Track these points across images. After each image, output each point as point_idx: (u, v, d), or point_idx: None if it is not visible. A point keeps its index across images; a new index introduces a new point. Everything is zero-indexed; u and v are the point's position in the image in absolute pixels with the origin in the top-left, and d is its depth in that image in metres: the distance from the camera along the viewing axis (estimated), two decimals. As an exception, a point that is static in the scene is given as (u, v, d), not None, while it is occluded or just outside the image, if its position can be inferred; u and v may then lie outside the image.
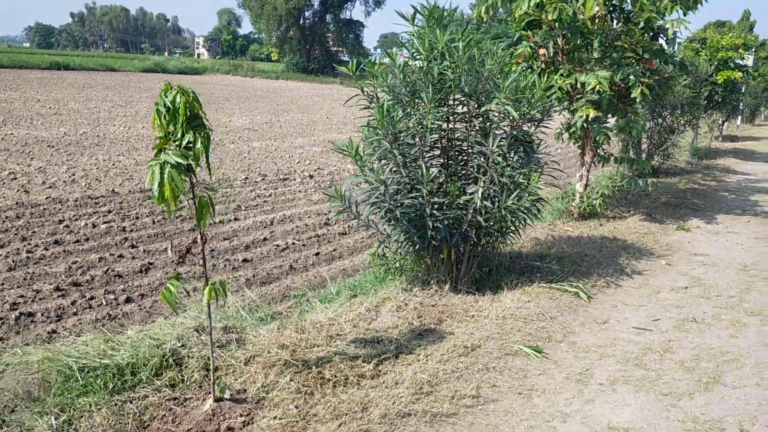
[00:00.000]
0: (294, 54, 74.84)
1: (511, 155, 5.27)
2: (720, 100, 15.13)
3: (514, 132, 5.32)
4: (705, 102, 15.40)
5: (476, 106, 5.29)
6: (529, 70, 7.88)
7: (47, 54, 69.28)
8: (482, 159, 5.13)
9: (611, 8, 8.01)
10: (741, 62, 15.32)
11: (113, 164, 13.60)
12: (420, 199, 4.92)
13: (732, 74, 14.33)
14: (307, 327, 4.29)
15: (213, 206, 3.14)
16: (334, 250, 8.34)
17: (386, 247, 5.49)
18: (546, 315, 4.95)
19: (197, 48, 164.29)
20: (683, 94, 11.78)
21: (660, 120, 12.23)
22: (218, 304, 3.54)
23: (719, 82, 14.57)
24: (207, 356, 3.90)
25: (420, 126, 4.93)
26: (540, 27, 7.97)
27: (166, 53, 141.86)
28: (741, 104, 24.85)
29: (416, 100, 5.12)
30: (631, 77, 7.49)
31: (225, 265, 7.62)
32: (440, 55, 5.09)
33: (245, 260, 7.83)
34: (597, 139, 8.25)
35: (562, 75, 7.76)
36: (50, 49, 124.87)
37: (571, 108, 7.96)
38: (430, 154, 5.36)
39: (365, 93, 5.18)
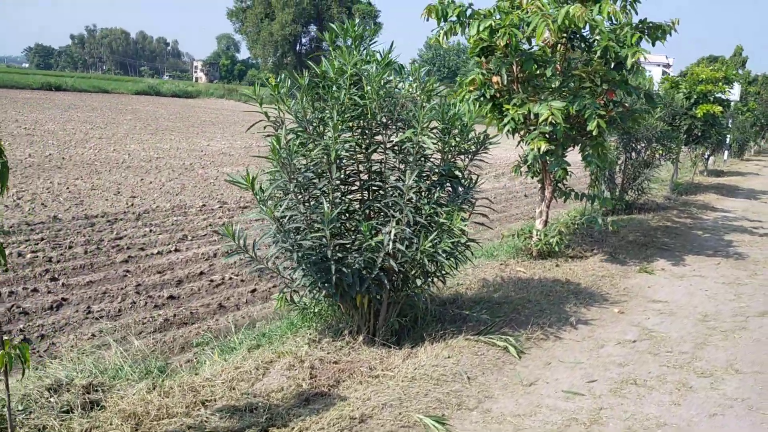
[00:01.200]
0: (288, 78, 74.63)
1: (434, 192, 4.72)
2: (699, 134, 14.66)
3: (438, 167, 4.79)
4: (685, 136, 14.96)
5: (393, 136, 4.74)
6: (482, 98, 7.40)
7: (41, 74, 69.06)
8: (398, 195, 4.58)
9: (570, 35, 7.53)
10: (722, 96, 14.87)
11: (67, 188, 13.05)
12: (325, 239, 4.35)
13: (711, 108, 13.88)
14: (175, 389, 3.68)
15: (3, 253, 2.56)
16: (274, 286, 7.74)
17: (295, 291, 4.91)
18: (464, 375, 4.36)
19: (195, 72, 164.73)
20: (656, 127, 11.30)
21: (633, 154, 11.73)
22: (20, 375, 2.95)
23: (698, 115, 14.12)
24: (42, 425, 3.30)
25: (326, 157, 4.38)
26: (494, 53, 7.48)
27: (165, 76, 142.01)
28: (728, 139, 24.51)
29: (326, 129, 4.58)
30: (588, 109, 6.98)
31: (146, 303, 7.02)
32: (350, 77, 4.55)
33: (171, 297, 7.24)
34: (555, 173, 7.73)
35: (515, 105, 7.25)
36: (49, 70, 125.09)
37: (526, 140, 7.44)
38: (343, 189, 4.81)
39: (270, 118, 4.64)
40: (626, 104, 8.39)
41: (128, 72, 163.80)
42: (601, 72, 7.32)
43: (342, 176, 4.69)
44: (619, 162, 11.82)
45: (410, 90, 4.80)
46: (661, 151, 12.30)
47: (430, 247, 4.46)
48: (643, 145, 12.02)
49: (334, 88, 4.51)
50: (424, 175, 4.83)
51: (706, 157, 21.04)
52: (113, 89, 61.27)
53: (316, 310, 5.21)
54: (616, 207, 12.02)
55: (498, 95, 7.68)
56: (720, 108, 13.95)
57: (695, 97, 14.29)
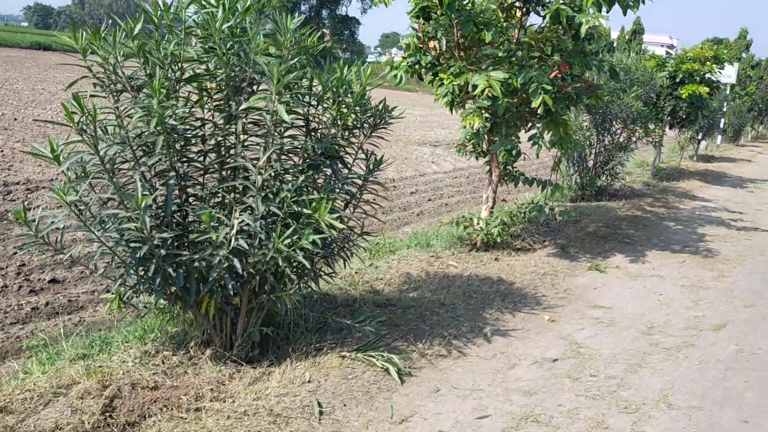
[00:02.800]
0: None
1: (301, 175, 3.80)
2: (684, 116, 13.68)
3: (316, 144, 3.88)
4: (669, 118, 13.98)
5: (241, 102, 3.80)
6: (417, 66, 6.44)
7: (30, 33, 67.47)
8: (251, 178, 3.66)
9: (523, -4, 6.55)
10: (712, 77, 13.85)
11: (1, 151, 12.09)
12: (145, 231, 3.43)
13: (696, 89, 12.88)
14: None
15: None
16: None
17: (133, 290, 3.99)
18: (315, 409, 3.47)
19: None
20: (631, 107, 10.33)
21: (607, 135, 10.76)
22: None
23: (683, 96, 13.12)
24: None
25: (147, 125, 3.44)
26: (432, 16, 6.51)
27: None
28: (721, 123, 23.51)
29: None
30: (534, 82, 6.03)
31: None
32: (186, 27, 3.60)
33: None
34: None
35: (452, 74, 6.29)
36: (48, 29, 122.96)
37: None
38: (186, 169, 3.88)
39: (95, 75, 3.68)
40: (588, 79, 7.44)
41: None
42: (552, 40, 6.35)
43: (183, 153, 3.75)
44: (592, 144, 10.87)
45: (283, 44, 3.85)
46: (640, 134, 11.33)
47: (286, 244, 3.55)
48: (619, 126, 11.05)
49: (166, 37, 3.56)
50: (290, 153, 3.91)
51: (697, 141, 20.04)
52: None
53: (163, 316, 4.32)
54: (585, 193, 11.10)
55: (437, 63, 6.72)
56: (707, 89, 12.93)
57: (681, 76, 13.27)
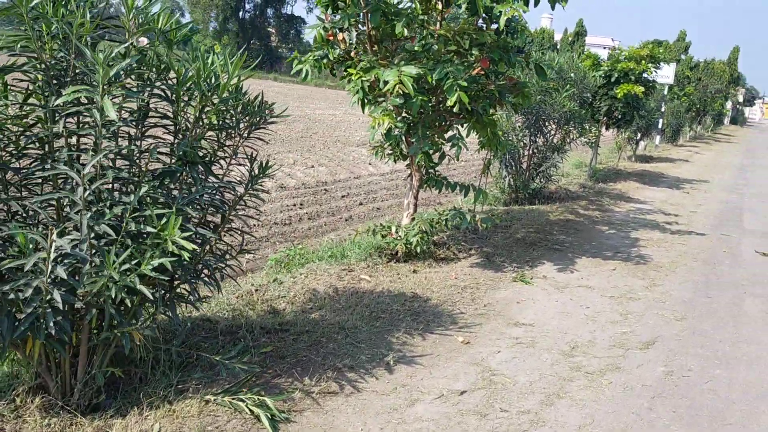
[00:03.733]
0: (232, 47, 71.65)
1: (144, 186, 3.16)
2: (620, 116, 13.43)
3: (178, 148, 3.25)
4: (605, 118, 13.72)
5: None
6: (326, 60, 5.83)
7: None
8: (72, 190, 3.00)
9: (439, -14, 6.02)
10: (648, 76, 13.64)
11: None
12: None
13: (632, 88, 12.63)
14: None
15: None
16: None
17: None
18: (154, 473, 2.84)
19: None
20: (563, 107, 9.94)
21: (539, 137, 10.35)
22: None
23: (618, 96, 12.86)
24: None
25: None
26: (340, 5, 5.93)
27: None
28: (660, 123, 23.63)
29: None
30: (449, 78, 5.50)
31: None
32: None
33: None
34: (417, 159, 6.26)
35: (361, 69, 5.71)
36: None
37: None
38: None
39: None
40: (513, 77, 6.96)
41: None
42: (471, 33, 5.83)
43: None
44: (525, 145, 10.45)
45: (125, 26, 3.20)
46: (574, 134, 10.97)
47: (120, 272, 2.90)
48: (552, 127, 10.67)
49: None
50: (130, 159, 3.26)
51: (635, 141, 19.99)
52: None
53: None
54: (518, 196, 10.68)
55: (347, 57, 6.13)
56: (642, 89, 12.69)
57: (616, 75, 13.01)
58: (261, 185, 4.03)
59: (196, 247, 3.05)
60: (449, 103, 5.48)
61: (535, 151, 10.56)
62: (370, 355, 4.27)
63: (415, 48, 6.03)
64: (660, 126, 24.27)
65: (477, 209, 9.49)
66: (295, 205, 11.08)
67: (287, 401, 3.53)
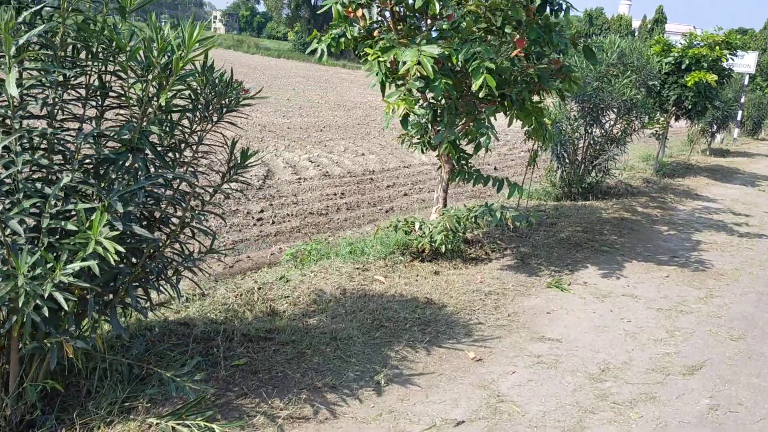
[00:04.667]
0: (303, 34, 71.95)
1: (71, 177, 2.73)
2: (690, 107, 12.39)
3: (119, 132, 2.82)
4: (674, 108, 12.70)
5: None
6: (342, 39, 5.32)
7: None
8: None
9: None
10: (723, 64, 12.52)
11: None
12: None
13: (704, 76, 11.59)
14: None
15: None
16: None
17: None
18: None
19: (214, 22, 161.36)
20: (623, 95, 9.11)
21: (595, 127, 9.55)
22: None
23: (688, 84, 11.84)
24: None
25: None
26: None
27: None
28: (739, 115, 22.11)
29: None
30: (476, 59, 4.90)
31: None
32: None
33: None
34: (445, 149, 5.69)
35: (380, 49, 5.17)
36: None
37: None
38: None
39: None
40: (558, 59, 6.29)
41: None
42: (503, 8, 5.20)
43: None
44: (580, 136, 9.67)
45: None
46: (637, 125, 10.10)
47: (30, 277, 2.48)
48: (611, 116, 9.84)
49: None
50: (49, 144, 2.83)
51: (711, 134, 18.68)
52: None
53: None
54: (572, 191, 9.92)
55: (368, 36, 5.60)
56: (715, 77, 11.63)
57: (687, 62, 11.98)
58: (241, 176, 3.54)
59: (121, 249, 2.59)
60: (474, 87, 4.88)
61: (591, 142, 9.76)
62: (358, 373, 3.76)
63: (444, 26, 5.45)
64: (739, 118, 22.72)
65: (523, 204, 8.83)
66: (335, 194, 10.66)
67: (245, 428, 3.06)
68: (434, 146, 6.14)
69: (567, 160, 9.70)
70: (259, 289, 5.04)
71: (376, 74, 5.38)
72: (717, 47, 11.93)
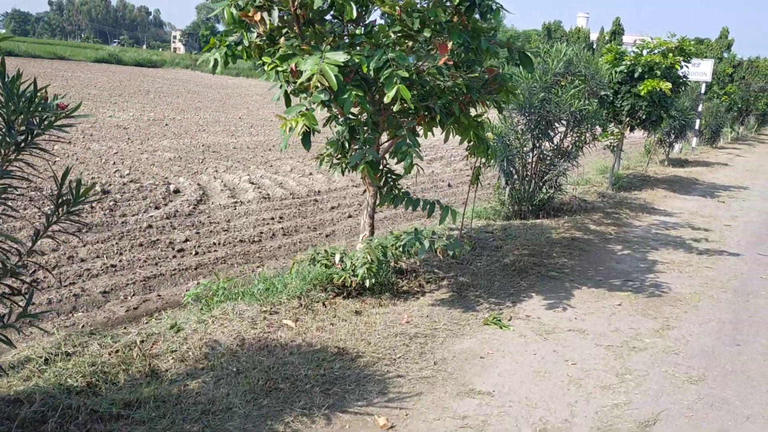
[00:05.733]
0: (261, 53, 70.90)
1: None
2: (645, 116, 11.92)
3: None
4: (628, 119, 12.23)
5: None
6: (240, 47, 4.61)
7: (49, 44, 66.28)
8: None
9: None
10: (678, 71, 12.07)
11: None
12: None
13: (657, 84, 11.13)
14: None
15: None
16: None
17: None
18: None
19: (174, 42, 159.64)
20: (571, 106, 8.55)
21: (543, 140, 8.96)
22: None
23: (642, 93, 11.37)
24: None
25: None
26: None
27: (144, 46, 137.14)
28: (697, 123, 21.91)
29: None
30: (388, 68, 4.22)
31: None
32: None
33: None
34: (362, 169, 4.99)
35: (279, 57, 4.47)
36: (26, 36, 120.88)
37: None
38: None
39: None
40: (492, 68, 5.67)
41: (108, 41, 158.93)
42: (420, 8, 4.54)
43: None
44: (528, 150, 9.08)
45: None
46: (587, 137, 9.54)
47: None
48: (561, 128, 9.28)
49: None
50: None
51: (668, 144, 18.35)
52: (71, 56, 58.48)
53: None
54: (522, 209, 9.31)
55: (273, 42, 4.89)
56: (669, 85, 11.18)
57: (639, 70, 11.51)
58: (76, 213, 2.80)
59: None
60: (386, 99, 4.20)
61: (541, 157, 9.18)
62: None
63: (357, 31, 4.78)
64: (697, 127, 22.53)
65: (471, 224, 8.18)
66: (273, 218, 9.92)
67: None
68: (353, 167, 5.45)
69: (515, 177, 9.09)
70: (142, 342, 4.27)
71: (280, 86, 4.67)
72: (670, 54, 11.50)
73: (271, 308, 4.86)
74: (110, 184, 10.94)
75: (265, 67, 4.46)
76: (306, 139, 4.28)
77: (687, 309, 5.78)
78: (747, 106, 33.33)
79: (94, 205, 9.48)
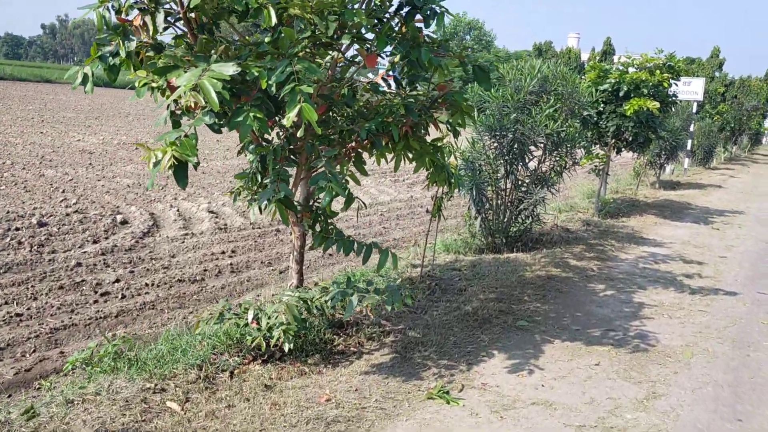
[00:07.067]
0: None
1: None
2: (631, 138, 11.05)
3: None
4: (613, 140, 11.36)
5: None
6: (117, 59, 3.68)
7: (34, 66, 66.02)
8: None
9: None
10: (666, 89, 11.21)
11: None
12: None
13: (644, 104, 10.26)
14: None
15: None
16: None
17: None
18: None
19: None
20: (546, 127, 7.65)
21: (518, 166, 8.06)
22: None
23: (628, 113, 10.50)
24: None
25: None
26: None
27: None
28: (689, 144, 21.13)
29: None
30: (291, 83, 3.31)
31: None
32: None
33: None
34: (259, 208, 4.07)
35: (156, 71, 3.54)
36: (18, 60, 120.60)
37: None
38: None
39: None
40: (444, 84, 4.79)
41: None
42: (336, 8, 3.64)
43: None
44: (501, 177, 8.17)
45: None
46: (567, 161, 8.65)
47: None
48: (538, 152, 8.39)
49: None
50: None
51: (659, 165, 17.49)
52: (58, 79, 58.14)
53: None
54: (495, 242, 8.38)
55: (160, 51, 3.97)
56: (656, 104, 10.32)
57: (625, 89, 10.66)
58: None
59: None
60: (285, 121, 3.28)
61: (515, 184, 8.27)
62: None
63: (266, 39, 3.87)
64: (689, 147, 21.74)
65: (431, 262, 7.25)
66: (224, 252, 8.97)
67: None
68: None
69: (488, 206, 8.17)
70: (-21, 435, 3.30)
71: (168, 107, 3.75)
72: (658, 71, 10.65)
73: (157, 384, 3.89)
74: (51, 215, 10.00)
75: (137, 83, 3.54)
76: (179, 173, 3.33)
77: (677, 368, 4.83)
78: (740, 126, 32.67)
79: (22, 240, 8.54)
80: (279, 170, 3.91)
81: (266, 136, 4.29)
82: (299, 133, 3.41)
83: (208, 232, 9.92)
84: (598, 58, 68.31)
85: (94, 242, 8.92)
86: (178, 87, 3.22)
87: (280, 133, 4.33)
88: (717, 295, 6.96)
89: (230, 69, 3.26)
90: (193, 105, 3.27)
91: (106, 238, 9.18)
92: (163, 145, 3.25)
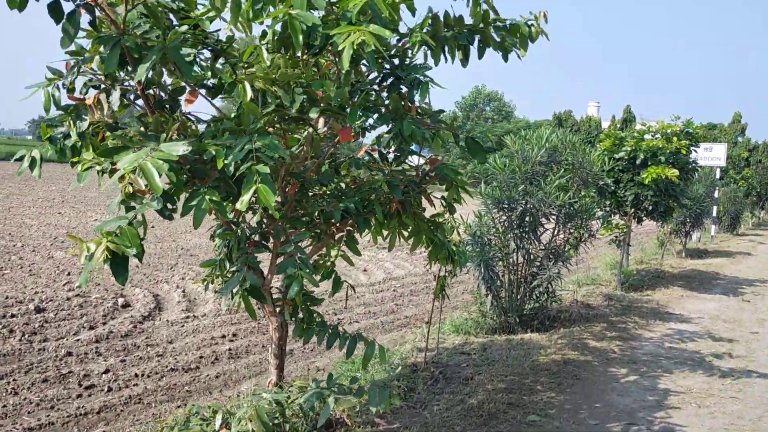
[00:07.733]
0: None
1: None
2: (651, 207, 10.58)
3: None
4: (632, 210, 10.89)
5: None
6: (68, 141, 3.38)
7: (13, 144, 67.73)
8: None
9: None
10: (685, 156, 10.79)
11: None
12: None
13: (663, 171, 9.84)
14: None
15: None
16: None
17: None
18: None
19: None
20: (557, 198, 7.24)
21: (530, 240, 7.62)
22: None
23: (646, 182, 10.07)
24: None
25: None
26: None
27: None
28: (714, 210, 20.52)
29: None
30: (250, 161, 2.97)
31: None
32: None
33: None
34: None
35: (102, 152, 3.22)
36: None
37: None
38: None
39: None
40: (435, 157, 4.46)
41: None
42: (300, 79, 3.33)
43: None
44: (510, 253, 7.72)
45: None
46: (582, 234, 8.18)
47: None
48: (551, 225, 7.96)
49: None
50: None
51: (685, 233, 16.88)
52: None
53: None
54: (508, 321, 7.85)
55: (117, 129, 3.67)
56: (675, 172, 9.89)
57: (642, 156, 10.27)
58: None
59: None
60: (239, 204, 2.91)
61: (528, 259, 7.80)
62: None
63: (232, 115, 3.57)
64: (715, 214, 21.12)
65: (436, 346, 6.75)
66: (224, 336, 8.53)
67: None
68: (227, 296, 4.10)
69: (499, 282, 7.69)
70: None
71: (124, 190, 3.42)
72: (675, 138, 10.26)
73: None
74: (51, 300, 9.70)
75: (80, 166, 3.22)
76: (117, 267, 2.94)
77: (710, 472, 4.23)
78: (766, 190, 31.97)
79: (14, 328, 8.21)
80: (247, 257, 3.53)
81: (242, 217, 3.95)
82: (256, 219, 3.04)
83: (211, 314, 9.52)
84: (618, 125, 68.43)
85: (90, 328, 8.54)
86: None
87: (251, 216, 3.98)
88: (750, 378, 6.33)
89: (180, 149, 2.93)
90: (132, 189, 2.92)
91: (104, 323, 8.82)
92: (98, 235, 2.89)
